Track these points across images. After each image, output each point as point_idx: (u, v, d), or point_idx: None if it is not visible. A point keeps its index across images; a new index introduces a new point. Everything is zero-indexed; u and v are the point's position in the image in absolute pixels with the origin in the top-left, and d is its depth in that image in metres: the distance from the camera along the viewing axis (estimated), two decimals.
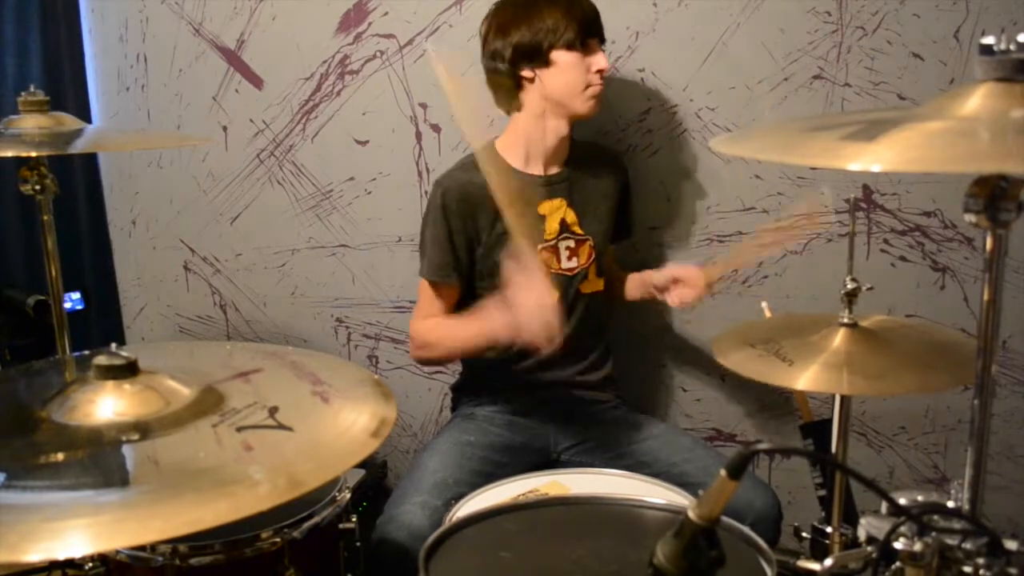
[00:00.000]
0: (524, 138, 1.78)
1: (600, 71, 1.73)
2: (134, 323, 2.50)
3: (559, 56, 1.70)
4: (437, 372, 2.27)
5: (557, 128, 1.76)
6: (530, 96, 1.75)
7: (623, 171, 1.92)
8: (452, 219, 1.75)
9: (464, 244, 1.77)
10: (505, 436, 1.81)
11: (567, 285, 1.80)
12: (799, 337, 1.36)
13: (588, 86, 1.72)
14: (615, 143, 2.01)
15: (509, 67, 1.73)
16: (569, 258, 1.80)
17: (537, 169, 1.79)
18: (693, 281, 1.73)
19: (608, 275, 1.90)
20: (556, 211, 1.79)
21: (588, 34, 1.71)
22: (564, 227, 1.80)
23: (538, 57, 1.71)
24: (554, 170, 1.81)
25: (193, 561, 1.28)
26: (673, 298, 1.76)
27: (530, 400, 1.83)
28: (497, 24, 1.74)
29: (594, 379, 1.87)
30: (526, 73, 1.72)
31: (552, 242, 1.79)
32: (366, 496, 2.07)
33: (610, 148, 1.97)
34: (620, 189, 1.90)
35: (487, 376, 1.87)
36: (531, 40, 1.70)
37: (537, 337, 1.51)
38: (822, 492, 1.76)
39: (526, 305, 1.51)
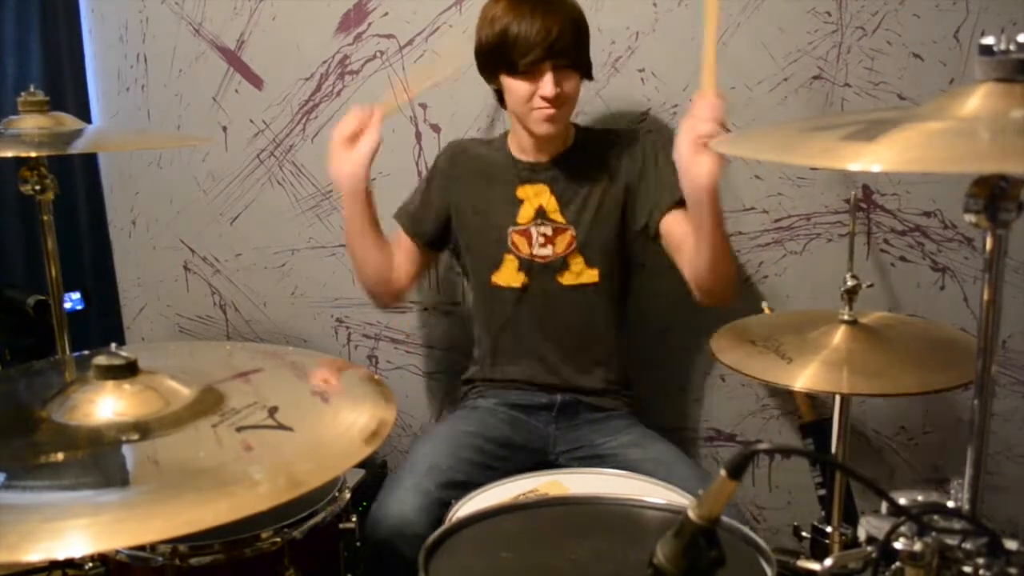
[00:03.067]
0: (515, 132, 1.82)
1: (545, 98, 1.65)
2: (134, 323, 2.50)
3: (504, 80, 1.69)
4: (437, 372, 2.27)
5: (527, 134, 1.77)
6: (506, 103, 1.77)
7: (639, 151, 1.80)
8: (436, 175, 1.87)
9: (441, 205, 1.85)
10: (505, 431, 1.80)
11: (538, 271, 1.80)
12: (799, 334, 1.37)
13: (534, 108, 1.68)
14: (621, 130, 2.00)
15: (481, 74, 1.76)
16: (543, 245, 1.79)
17: (529, 157, 1.81)
18: (702, 110, 1.46)
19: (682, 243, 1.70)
20: (535, 196, 1.79)
21: (536, 61, 1.62)
22: (540, 213, 1.79)
23: (491, 76, 1.73)
24: (544, 157, 1.80)
25: (193, 561, 1.28)
26: (695, 145, 1.47)
27: (534, 400, 1.84)
28: (476, 29, 1.73)
29: (600, 386, 1.85)
30: (494, 85, 1.75)
31: (525, 226, 1.79)
32: (366, 496, 2.07)
33: (626, 132, 1.88)
34: (634, 170, 1.79)
35: (495, 374, 1.88)
36: (484, 57, 1.70)
37: (332, 165, 1.69)
38: (822, 492, 1.77)
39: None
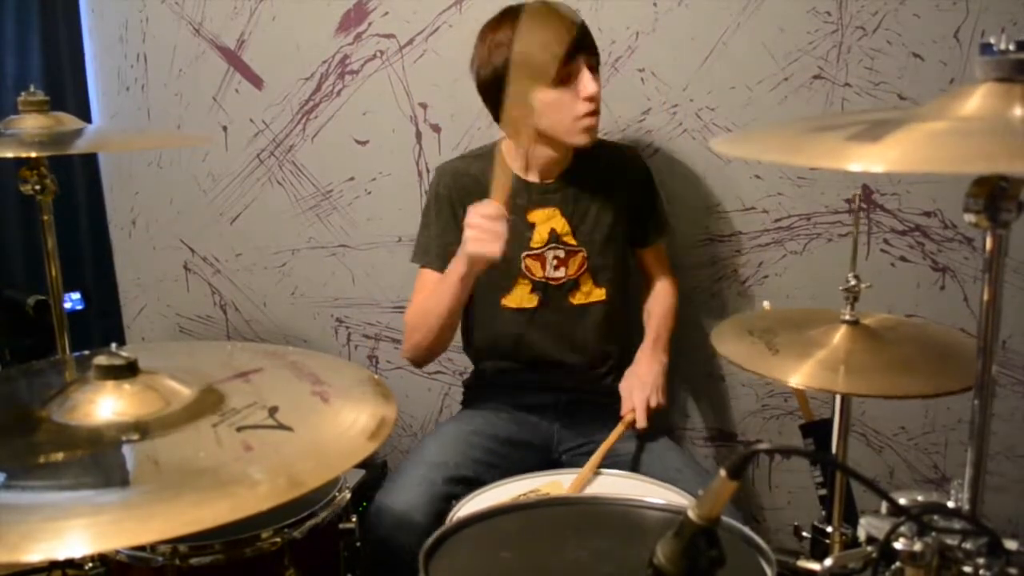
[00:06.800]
0: (521, 151, 1.76)
1: (589, 98, 1.62)
2: (134, 323, 2.50)
3: (539, 96, 1.63)
4: (437, 372, 2.27)
5: (551, 152, 1.74)
6: (521, 125, 1.72)
7: (639, 170, 1.87)
8: (443, 205, 1.78)
9: (455, 229, 1.74)
10: (511, 429, 1.81)
11: (552, 293, 1.79)
12: (799, 331, 1.36)
13: (578, 118, 1.64)
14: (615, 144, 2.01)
15: (490, 106, 1.70)
16: (556, 267, 1.78)
17: (534, 176, 1.78)
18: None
19: (648, 276, 1.93)
20: (547, 220, 1.77)
21: (568, 60, 1.59)
22: (554, 237, 1.78)
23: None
24: (551, 179, 1.78)
25: (193, 561, 1.28)
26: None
27: (538, 400, 1.84)
28: (477, 55, 1.68)
29: (603, 386, 1.86)
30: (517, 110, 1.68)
31: (539, 250, 1.77)
32: (366, 496, 2.07)
33: (626, 146, 1.92)
34: (635, 190, 1.85)
35: (498, 377, 1.88)
36: (503, 83, 1.62)
37: (481, 244, 1.51)
38: (822, 492, 1.76)
39: (471, 219, 1.53)
